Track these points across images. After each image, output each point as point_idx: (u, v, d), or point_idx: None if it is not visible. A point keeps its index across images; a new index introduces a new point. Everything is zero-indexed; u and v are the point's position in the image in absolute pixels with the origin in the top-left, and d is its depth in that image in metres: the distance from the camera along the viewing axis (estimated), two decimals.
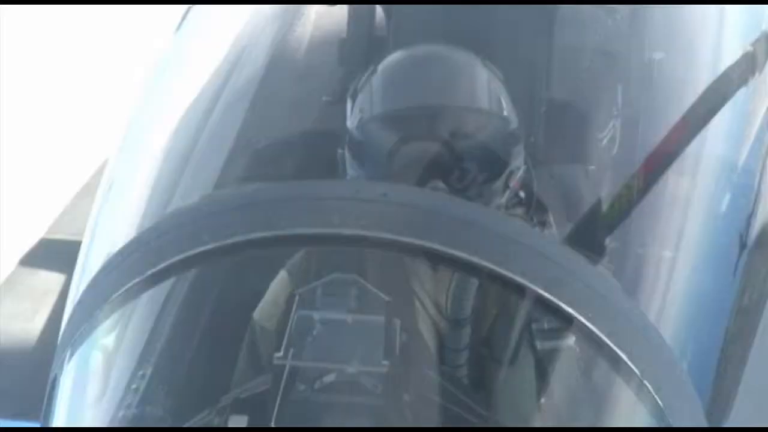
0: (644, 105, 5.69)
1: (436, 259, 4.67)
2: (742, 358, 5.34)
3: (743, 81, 5.72)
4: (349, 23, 6.15)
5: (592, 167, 5.61)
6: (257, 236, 4.55)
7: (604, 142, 5.68)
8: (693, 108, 5.45)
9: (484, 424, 4.75)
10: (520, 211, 5.05)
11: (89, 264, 5.20)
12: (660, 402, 4.46)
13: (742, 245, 5.42)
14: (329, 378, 4.51)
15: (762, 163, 5.70)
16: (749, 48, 5.85)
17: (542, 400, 4.84)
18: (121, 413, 4.81)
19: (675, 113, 5.48)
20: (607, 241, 5.16)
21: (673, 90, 5.71)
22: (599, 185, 5.52)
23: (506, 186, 4.94)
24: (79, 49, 9.12)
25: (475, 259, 4.42)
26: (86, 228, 5.58)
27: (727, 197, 5.55)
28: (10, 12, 9.06)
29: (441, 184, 4.87)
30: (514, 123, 4.99)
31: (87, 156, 6.89)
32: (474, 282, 4.78)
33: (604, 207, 5.28)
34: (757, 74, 5.83)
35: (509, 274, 4.43)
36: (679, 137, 5.36)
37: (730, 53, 5.92)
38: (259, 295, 5.00)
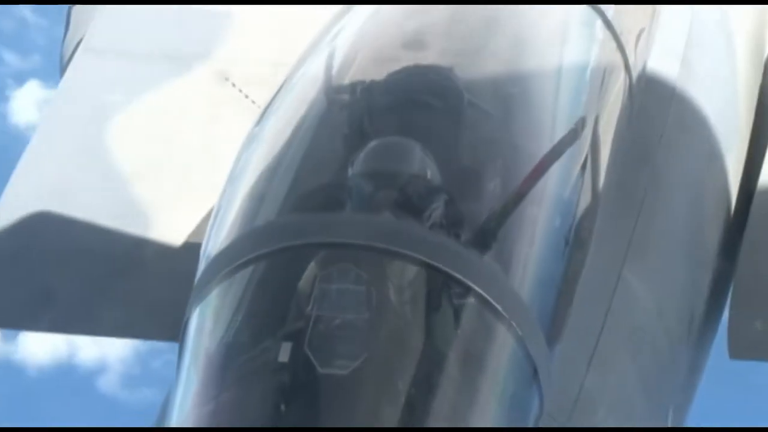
0: (511, 165, 5.94)
1: (393, 255, 5.40)
2: (567, 307, 5.88)
3: (569, 145, 6.01)
4: (349, 126, 6.10)
5: (484, 203, 5.84)
6: (296, 243, 5.49)
7: (491, 188, 5.87)
8: (539, 164, 5.87)
9: (424, 345, 5.48)
10: (443, 230, 5.61)
11: (205, 257, 5.86)
12: (520, 332, 5.37)
13: (566, 243, 5.91)
14: (336, 321, 5.30)
15: (578, 194, 6.04)
16: (573, 126, 6.05)
17: (457, 331, 5.48)
18: (225, 340, 5.51)
19: (528, 167, 5.88)
20: (492, 243, 5.67)
21: (527, 155, 5.95)
22: (488, 213, 5.75)
23: (430, 216, 5.56)
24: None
25: (414, 255, 5.37)
26: (204, 237, 6.06)
27: (558, 215, 5.98)
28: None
29: (390, 215, 5.58)
30: (436, 182, 5.66)
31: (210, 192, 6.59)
32: (414, 266, 5.45)
33: (490, 224, 5.68)
34: (576, 142, 6.04)
35: (434, 263, 5.37)
36: (532, 182, 5.82)
37: (562, 128, 6.09)
38: (300, 276, 5.44)
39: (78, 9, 7.76)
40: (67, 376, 25.07)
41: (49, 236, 6.94)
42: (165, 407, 5.70)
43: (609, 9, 6.26)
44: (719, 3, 7.29)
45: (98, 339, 22.26)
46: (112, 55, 7.22)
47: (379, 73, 5.96)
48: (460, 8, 6.21)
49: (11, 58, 28.10)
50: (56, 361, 25.14)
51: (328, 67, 6.06)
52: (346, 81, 6.02)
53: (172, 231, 6.63)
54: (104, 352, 24.15)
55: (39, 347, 25.14)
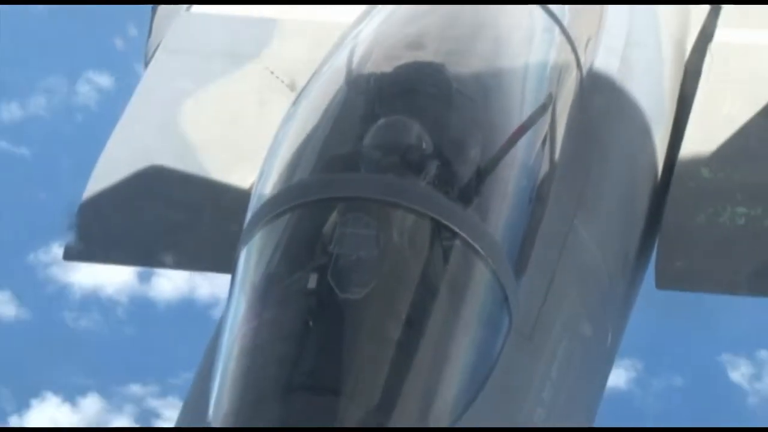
0: (488, 139, 5.94)
1: (395, 206, 5.51)
2: (530, 249, 5.89)
3: (533, 124, 6.05)
4: (363, 107, 6.02)
5: (467, 167, 5.81)
6: (320, 197, 5.60)
7: (472, 156, 5.85)
8: (509, 138, 5.96)
9: (419, 276, 5.56)
10: (435, 187, 5.67)
11: (250, 209, 5.90)
12: (493, 267, 5.51)
13: (530, 199, 5.96)
14: (352, 258, 5.41)
15: (540, 162, 6.06)
16: (536, 109, 6.08)
17: (445, 265, 5.57)
18: (265, 272, 5.64)
19: (501, 141, 5.94)
20: (473, 198, 5.74)
21: (500, 131, 5.99)
22: (470, 175, 5.78)
23: (425, 177, 5.63)
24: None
25: (412, 206, 5.48)
26: (252, 194, 6.06)
27: (524, 177, 6.01)
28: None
29: (393, 176, 5.60)
30: (430, 151, 5.70)
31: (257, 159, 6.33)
32: (411, 215, 5.53)
33: (472, 184, 5.74)
34: (539, 122, 6.07)
35: (427, 212, 5.50)
36: (503, 152, 5.91)
37: (528, 111, 6.10)
38: (324, 223, 5.53)
39: (159, 17, 7.78)
40: (189, 309, 25.18)
41: (141, 193, 6.96)
42: (219, 325, 5.79)
43: (565, 20, 6.33)
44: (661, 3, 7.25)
45: (211, 278, 22.20)
46: (185, 54, 7.24)
47: (387, 67, 6.02)
48: (450, 17, 6.27)
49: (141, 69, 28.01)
50: (180, 297, 25.29)
51: (349, 62, 6.13)
52: (362, 73, 6.07)
53: (228, 190, 6.61)
54: (216, 290, 24.25)
55: (166, 286, 25.34)
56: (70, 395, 26.18)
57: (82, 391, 25.98)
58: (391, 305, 5.44)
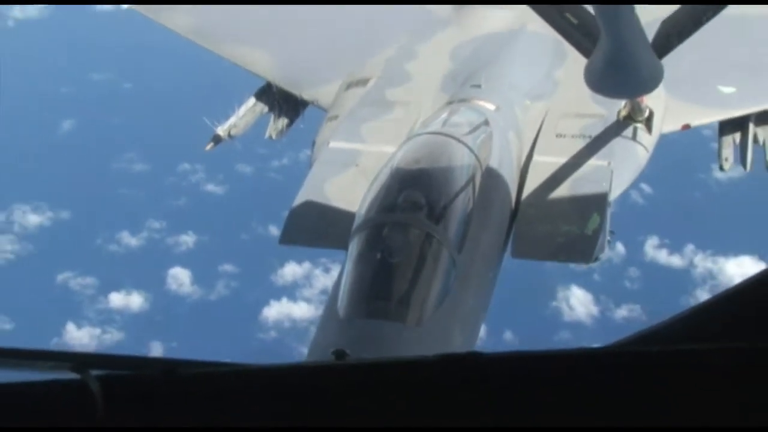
0: (448, 200, 5.06)
1: (411, 225, 4.81)
2: (463, 242, 5.03)
3: (463, 191, 5.16)
4: (398, 186, 5.06)
5: (438, 211, 4.96)
6: (380, 221, 4.83)
7: (441, 205, 4.99)
8: (456, 196, 5.10)
9: (419, 253, 4.72)
10: (427, 218, 4.86)
11: (353, 229, 4.97)
12: (449, 249, 4.73)
13: (464, 222, 5.08)
14: (393, 246, 4.72)
15: (468, 207, 5.13)
16: (465, 187, 5.17)
17: (429, 248, 4.77)
18: (358, 250, 4.81)
19: (452, 198, 5.05)
20: (440, 222, 4.92)
21: (452, 196, 5.13)
22: (439, 214, 4.95)
23: (422, 213, 4.86)
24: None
25: (418, 226, 4.75)
26: (354, 223, 5.11)
27: (461, 212, 5.13)
28: None
29: (410, 213, 4.80)
30: (424, 204, 4.89)
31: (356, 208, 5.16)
32: (417, 230, 4.75)
33: (440, 217, 4.94)
34: (465, 192, 5.17)
35: (424, 228, 4.74)
36: (453, 202, 5.05)
37: (463, 188, 5.18)
38: (382, 231, 4.79)
39: (316, 147, 6.41)
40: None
41: (313, 214, 5.73)
42: (341, 269, 5.03)
43: (476, 150, 5.34)
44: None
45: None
46: (326, 163, 6.07)
47: (404, 170, 5.15)
48: (431, 153, 5.27)
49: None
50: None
51: (391, 168, 5.24)
52: (395, 173, 5.18)
53: (344, 219, 5.45)
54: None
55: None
56: (299, 260, 25.31)
57: (304, 260, 25.12)
58: (408, 264, 4.72)
